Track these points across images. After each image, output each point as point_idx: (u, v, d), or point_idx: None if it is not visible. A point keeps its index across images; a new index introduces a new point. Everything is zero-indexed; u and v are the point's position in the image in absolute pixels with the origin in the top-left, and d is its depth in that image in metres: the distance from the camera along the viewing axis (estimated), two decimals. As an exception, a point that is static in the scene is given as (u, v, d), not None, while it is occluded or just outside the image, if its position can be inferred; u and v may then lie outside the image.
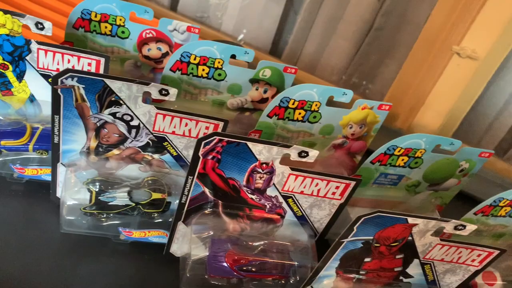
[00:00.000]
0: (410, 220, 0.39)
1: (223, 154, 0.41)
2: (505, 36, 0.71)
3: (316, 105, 0.54)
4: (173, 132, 0.47)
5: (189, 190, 0.44)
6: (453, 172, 0.57)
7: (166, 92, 0.43)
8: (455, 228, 0.40)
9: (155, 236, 0.51)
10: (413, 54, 0.81)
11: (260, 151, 0.41)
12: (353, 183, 0.45)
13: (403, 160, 0.53)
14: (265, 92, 0.58)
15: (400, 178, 0.56)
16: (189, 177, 0.43)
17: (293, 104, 0.53)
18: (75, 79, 0.41)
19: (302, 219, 0.49)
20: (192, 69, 0.54)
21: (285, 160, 0.44)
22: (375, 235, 0.40)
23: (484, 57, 0.73)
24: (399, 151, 0.52)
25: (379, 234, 0.40)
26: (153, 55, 0.58)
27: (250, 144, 0.41)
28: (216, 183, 0.44)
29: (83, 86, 0.42)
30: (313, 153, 0.42)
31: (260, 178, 0.44)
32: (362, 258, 0.43)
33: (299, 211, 0.48)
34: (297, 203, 0.47)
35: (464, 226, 0.40)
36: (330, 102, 0.55)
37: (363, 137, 0.59)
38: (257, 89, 0.57)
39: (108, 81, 0.42)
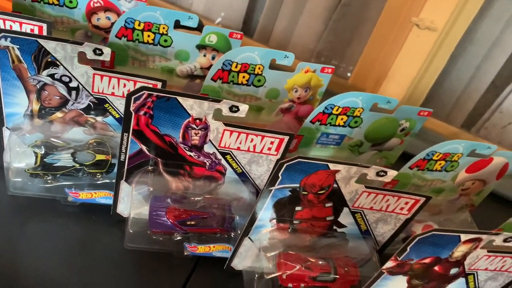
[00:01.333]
0: (331, 166, 0.41)
1: (155, 110, 0.43)
2: (463, 8, 0.72)
3: (259, 68, 0.55)
4: (113, 94, 0.48)
5: (126, 148, 0.45)
6: (394, 131, 0.59)
7: (100, 52, 0.44)
8: (377, 174, 0.42)
9: (102, 197, 0.52)
10: (378, 28, 0.82)
11: (191, 106, 0.43)
12: (287, 138, 0.46)
13: (342, 119, 0.55)
14: (213, 58, 0.59)
15: (342, 137, 0.58)
16: (124, 134, 0.44)
17: (236, 67, 0.54)
18: (9, 39, 0.42)
19: (243, 176, 0.50)
20: (138, 35, 0.55)
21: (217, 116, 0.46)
22: (301, 183, 0.42)
23: (443, 29, 0.75)
24: (337, 110, 0.53)
25: (304, 181, 0.42)
26: (102, 25, 0.59)
27: (180, 99, 0.42)
28: (152, 140, 0.45)
29: (18, 46, 0.43)
30: (243, 107, 0.44)
31: (196, 134, 0.46)
32: (293, 207, 0.45)
33: (239, 168, 0.50)
34: (236, 160, 0.49)
35: (386, 172, 0.42)
36: (273, 66, 0.57)
37: (309, 101, 0.61)
38: (204, 55, 0.59)
39: (42, 41, 0.43)
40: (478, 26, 0.79)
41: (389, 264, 0.40)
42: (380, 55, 0.84)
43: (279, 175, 0.41)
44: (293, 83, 0.58)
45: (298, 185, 0.43)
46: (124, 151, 0.46)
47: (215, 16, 0.90)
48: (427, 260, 0.41)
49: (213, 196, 0.51)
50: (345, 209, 0.46)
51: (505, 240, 0.41)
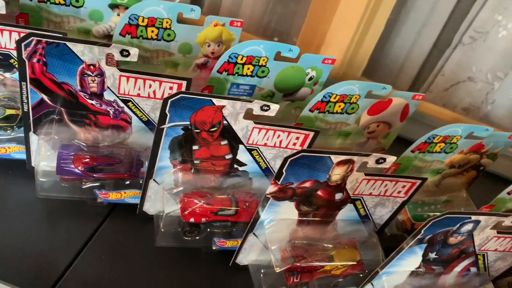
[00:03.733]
0: (216, 102, 0.44)
1: (47, 56, 0.45)
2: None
3: (167, 22, 0.57)
4: (15, 48, 0.49)
5: (27, 98, 0.47)
6: (302, 80, 0.62)
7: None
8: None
9: (16, 152, 0.54)
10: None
11: (82, 51, 0.45)
12: (184, 82, 0.49)
13: (249, 69, 0.57)
14: (130, 17, 0.60)
15: (252, 88, 0.60)
16: (22, 83, 0.46)
17: (143, 21, 0.56)
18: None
19: (150, 125, 0.53)
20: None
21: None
22: (190, 120, 0.45)
23: (373, -8, 0.77)
24: (241, 59, 0.56)
25: (194, 118, 0.45)
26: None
27: (70, 44, 0.44)
28: (51, 88, 0.47)
29: None
30: (134, 51, 0.46)
31: (93, 81, 0.47)
32: (190, 147, 0.48)
33: (144, 116, 0.52)
34: (138, 107, 0.51)
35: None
36: (181, 21, 0.58)
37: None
38: (118, 15, 0.60)
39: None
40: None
41: (271, 188, 0.43)
42: (320, 22, 0.86)
43: (166, 112, 0.43)
44: (204, 37, 0.60)
45: (188, 122, 0.45)
46: (25, 101, 0.48)
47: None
48: (307, 184, 0.44)
49: (122, 145, 0.53)
50: (241, 147, 0.49)
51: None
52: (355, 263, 0.48)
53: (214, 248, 0.52)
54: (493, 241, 0.45)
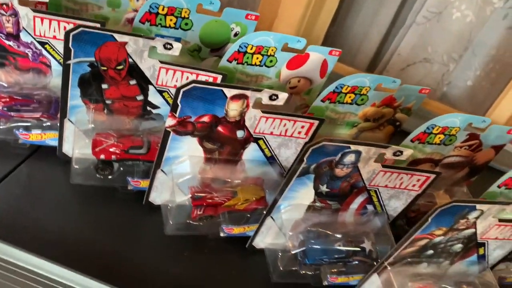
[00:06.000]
0: (118, 37, 0.46)
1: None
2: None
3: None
4: None
5: None
6: (227, 35, 0.64)
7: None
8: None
9: None
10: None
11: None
12: (96, 24, 0.50)
13: (171, 20, 0.60)
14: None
15: (177, 41, 0.62)
16: None
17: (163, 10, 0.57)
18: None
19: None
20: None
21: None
22: (95, 56, 0.47)
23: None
24: (162, 10, 0.58)
25: (98, 54, 0.47)
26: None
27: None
28: (-35, 26, 0.49)
29: None
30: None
31: (7, 21, 0.49)
32: (99, 85, 0.50)
33: (57, 55, 0.53)
34: (56, 50, 0.53)
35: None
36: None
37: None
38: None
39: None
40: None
41: (170, 121, 0.45)
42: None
43: (70, 46, 0.45)
44: (136, -10, 0.62)
45: (93, 59, 0.47)
46: None
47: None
48: (205, 119, 0.46)
49: (43, 88, 0.55)
50: (151, 88, 0.51)
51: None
52: (257, 198, 0.51)
53: (19, 141, 0.53)
54: (380, 176, 0.48)
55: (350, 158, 0.44)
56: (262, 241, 0.54)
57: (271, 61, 0.60)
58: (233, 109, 0.46)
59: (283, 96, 0.46)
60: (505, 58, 0.90)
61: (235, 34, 0.64)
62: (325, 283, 0.51)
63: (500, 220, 0.46)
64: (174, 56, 0.50)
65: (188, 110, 0.45)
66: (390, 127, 0.66)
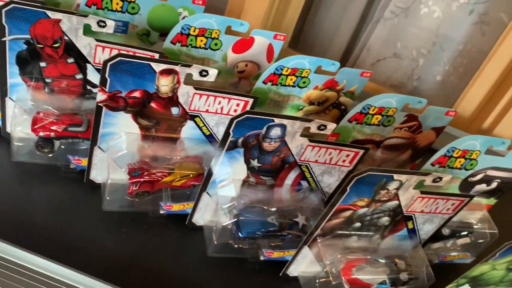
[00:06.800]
0: (51, 15, 0.47)
1: None
2: None
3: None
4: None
5: None
6: (176, 20, 0.65)
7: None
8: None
9: None
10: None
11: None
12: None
13: (118, 4, 0.61)
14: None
15: (125, 24, 0.63)
16: None
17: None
18: None
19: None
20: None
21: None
22: (30, 33, 0.48)
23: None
24: (108, -5, 0.59)
25: (33, 32, 0.48)
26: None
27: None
28: None
29: None
30: None
31: None
32: (37, 63, 0.51)
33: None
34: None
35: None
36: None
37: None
38: None
39: None
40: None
41: (101, 96, 0.46)
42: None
43: (3, 23, 0.46)
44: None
45: (29, 36, 0.48)
46: None
47: None
48: (137, 94, 0.47)
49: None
50: (89, 66, 0.52)
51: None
52: (195, 175, 0.52)
53: (71, 166, 0.55)
54: (309, 151, 0.49)
55: (276, 131, 0.46)
56: (202, 218, 0.55)
57: (216, 44, 0.61)
58: (163, 84, 0.47)
59: (213, 72, 0.47)
60: (472, 53, 0.92)
61: (183, 18, 0.66)
62: (262, 258, 0.53)
63: (422, 193, 0.48)
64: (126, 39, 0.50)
65: (117, 84, 0.46)
66: (336, 111, 0.68)
